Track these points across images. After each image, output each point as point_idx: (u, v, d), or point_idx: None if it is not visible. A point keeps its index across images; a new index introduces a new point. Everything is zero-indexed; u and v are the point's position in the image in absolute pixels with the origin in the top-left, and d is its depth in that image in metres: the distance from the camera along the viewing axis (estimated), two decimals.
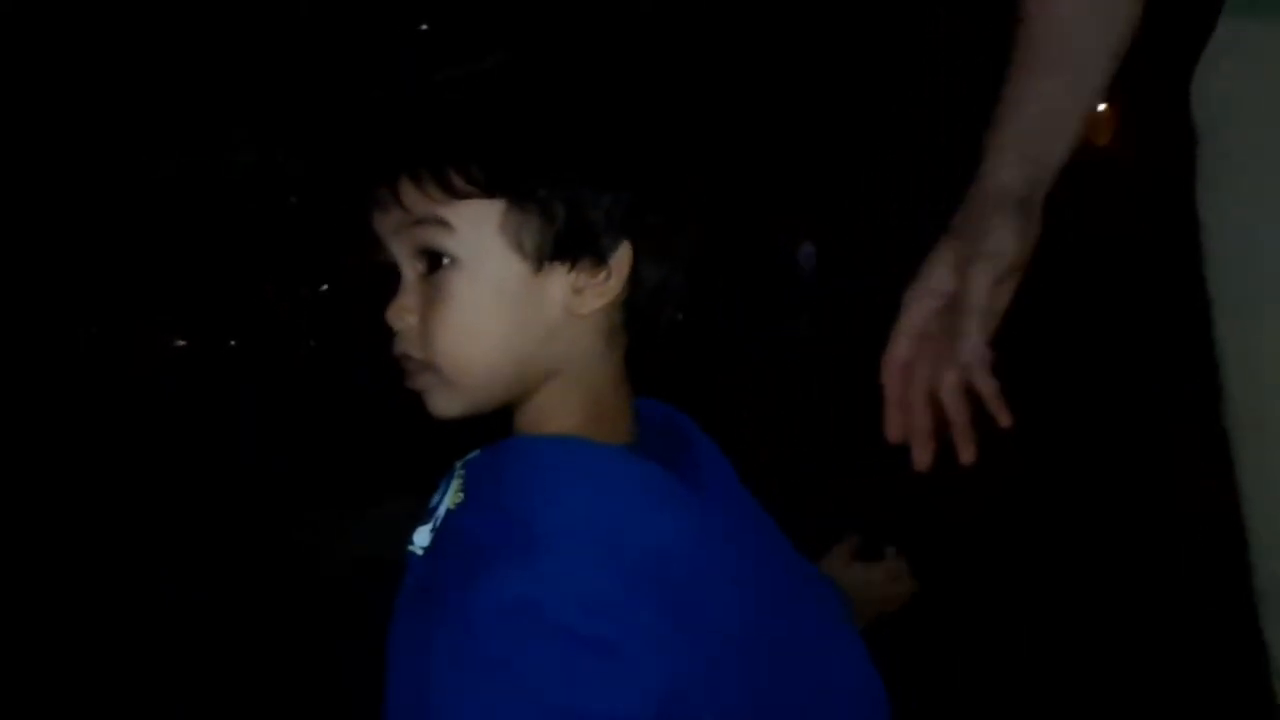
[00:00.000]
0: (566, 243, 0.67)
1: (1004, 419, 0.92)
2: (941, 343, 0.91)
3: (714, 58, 5.86)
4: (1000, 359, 0.91)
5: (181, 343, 13.52)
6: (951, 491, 4.71)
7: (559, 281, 0.68)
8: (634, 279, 0.70)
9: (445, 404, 0.70)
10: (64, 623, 3.28)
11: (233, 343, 12.21)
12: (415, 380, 0.70)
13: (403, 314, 0.69)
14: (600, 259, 0.68)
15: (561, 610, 0.61)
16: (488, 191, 0.67)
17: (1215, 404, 0.93)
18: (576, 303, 0.69)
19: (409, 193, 0.67)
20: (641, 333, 0.73)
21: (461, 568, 0.63)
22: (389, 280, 0.70)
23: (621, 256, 0.69)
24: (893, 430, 0.92)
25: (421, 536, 0.69)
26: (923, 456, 0.92)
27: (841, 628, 0.82)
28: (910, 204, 6.69)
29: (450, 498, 0.68)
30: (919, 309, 0.91)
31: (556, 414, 0.70)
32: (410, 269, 0.69)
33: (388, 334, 0.68)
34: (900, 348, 0.92)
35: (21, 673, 2.88)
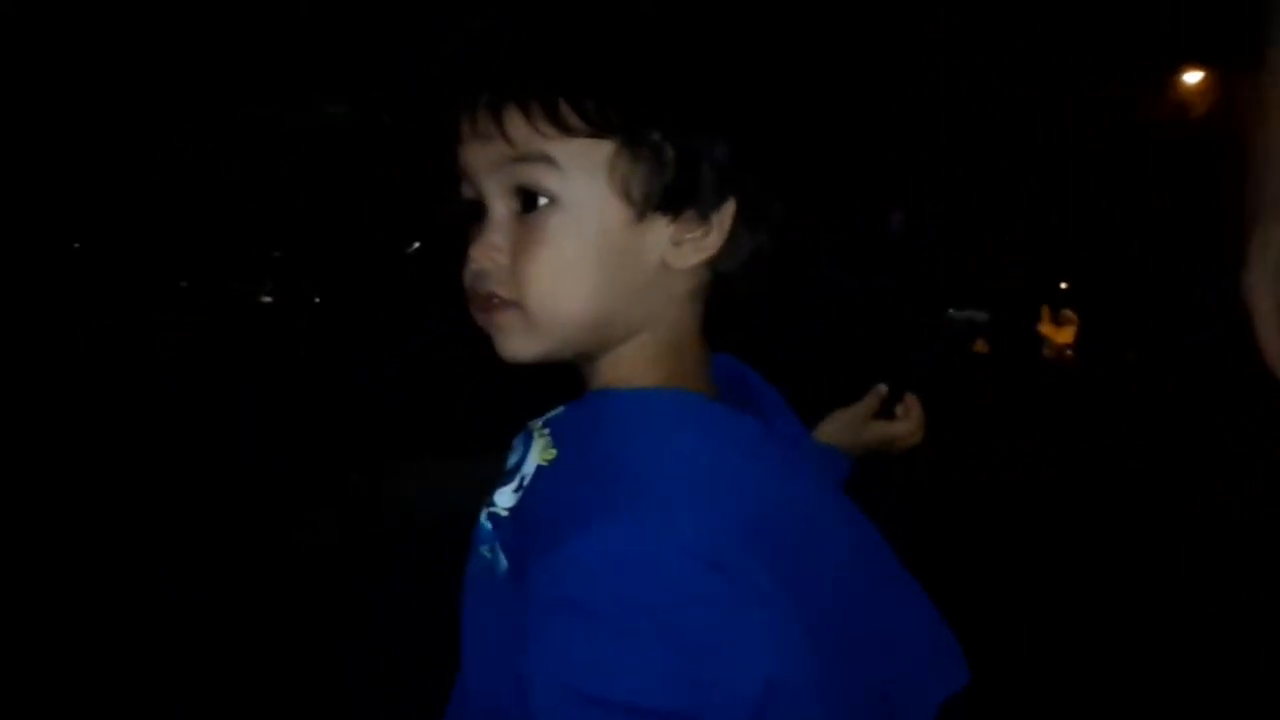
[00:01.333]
0: (674, 193, 0.65)
1: None
2: None
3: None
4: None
5: (268, 299, 13.82)
6: (951, 492, 4.69)
7: (659, 232, 0.66)
8: (729, 241, 0.68)
9: (522, 347, 0.67)
10: (64, 623, 3.28)
11: (318, 300, 12.36)
12: (495, 318, 0.67)
13: (491, 252, 0.66)
14: (704, 213, 0.66)
15: (677, 564, 0.58)
16: (600, 130, 0.63)
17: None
18: (674, 255, 0.66)
19: (516, 125, 0.64)
20: (723, 298, 0.70)
21: (564, 522, 0.60)
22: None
23: (725, 213, 0.67)
24: None
25: (504, 498, 0.67)
26: None
27: (910, 584, 0.78)
28: (911, 203, 6.71)
29: (539, 455, 0.66)
30: (1269, 295, 0.88)
31: (641, 369, 0.68)
32: (503, 206, 0.66)
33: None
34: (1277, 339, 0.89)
35: (22, 673, 2.88)
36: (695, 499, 0.60)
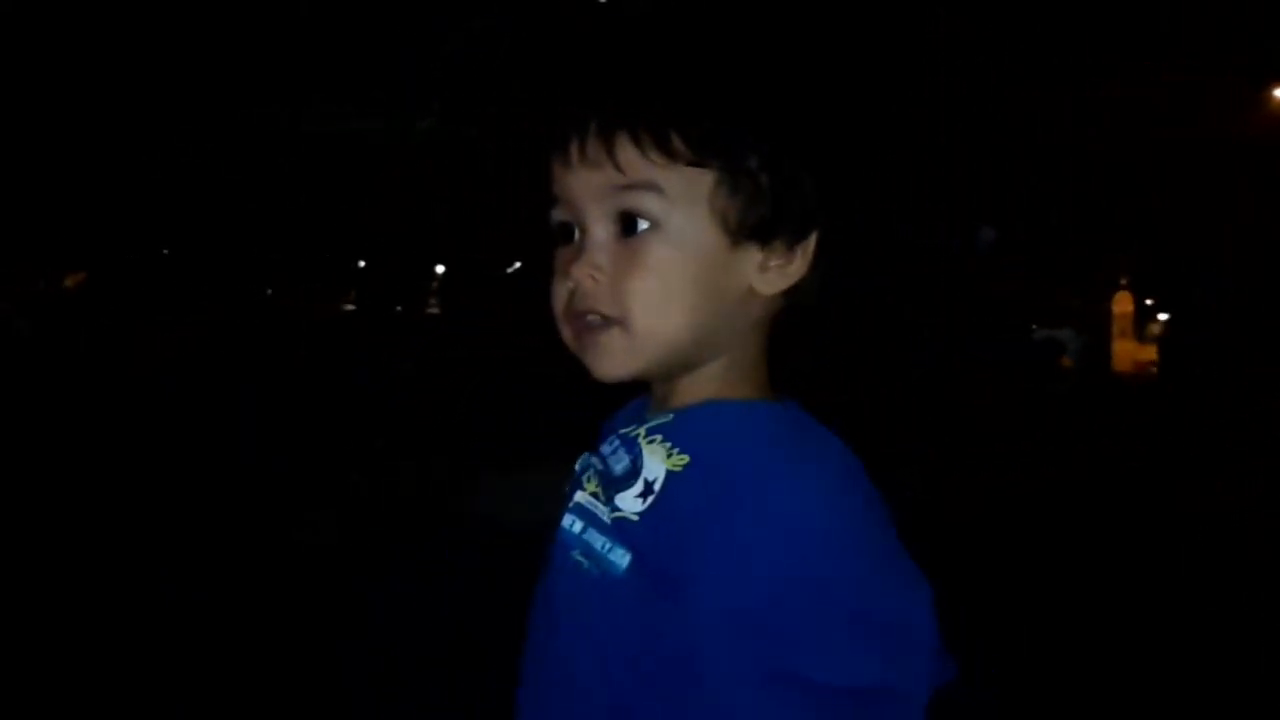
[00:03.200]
0: (767, 222, 0.70)
1: None
2: None
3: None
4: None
5: (350, 307, 13.96)
6: (951, 492, 4.66)
7: (750, 259, 0.70)
8: (809, 270, 0.72)
9: (619, 366, 0.70)
10: (64, 622, 3.28)
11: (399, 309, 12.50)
12: (595, 338, 0.70)
13: (593, 272, 0.70)
14: (790, 243, 0.71)
15: (851, 543, 0.64)
16: (704, 158, 0.68)
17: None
18: (760, 281, 0.71)
19: (626, 152, 0.68)
20: (789, 323, 0.75)
21: (728, 518, 0.64)
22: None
23: (809, 244, 0.71)
24: None
25: (629, 502, 0.69)
26: None
27: None
28: (912, 204, 6.71)
29: (664, 462, 0.69)
30: None
31: (724, 387, 0.72)
32: (603, 229, 0.70)
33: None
34: None
35: (22, 672, 2.88)
36: (845, 490, 0.67)
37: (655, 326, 0.69)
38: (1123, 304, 12.71)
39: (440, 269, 17.68)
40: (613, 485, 0.70)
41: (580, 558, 0.70)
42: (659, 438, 0.70)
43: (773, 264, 0.71)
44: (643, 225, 0.69)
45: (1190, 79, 6.90)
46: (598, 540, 0.69)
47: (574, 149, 0.70)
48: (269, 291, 14.29)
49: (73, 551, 4.06)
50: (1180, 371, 8.07)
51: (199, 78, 8.90)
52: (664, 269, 0.68)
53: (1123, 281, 12.47)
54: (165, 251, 12.70)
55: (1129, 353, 12.54)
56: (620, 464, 0.70)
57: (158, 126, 9.56)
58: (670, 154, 0.68)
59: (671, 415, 0.71)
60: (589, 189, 0.70)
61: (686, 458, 0.68)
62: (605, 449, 0.72)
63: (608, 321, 0.70)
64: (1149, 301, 13.22)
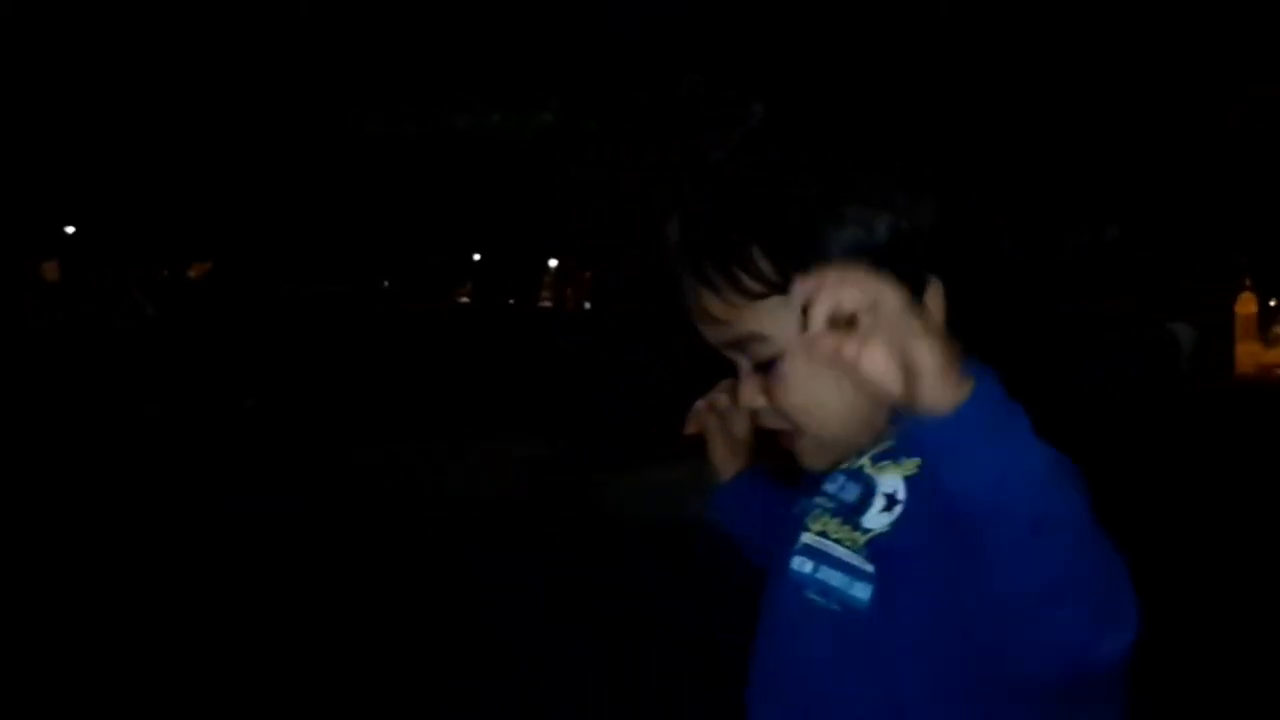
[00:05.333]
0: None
1: None
2: None
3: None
4: None
5: (466, 299, 13.71)
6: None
7: None
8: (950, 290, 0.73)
9: (823, 460, 0.77)
10: (63, 622, 3.27)
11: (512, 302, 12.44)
12: (792, 443, 0.77)
13: (754, 399, 0.77)
14: (915, 296, 0.68)
15: (1065, 483, 0.64)
16: (780, 286, 0.70)
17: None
18: None
19: (713, 304, 0.73)
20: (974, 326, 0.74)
21: (979, 492, 0.63)
22: None
23: (933, 289, 0.72)
24: None
25: (876, 520, 0.72)
26: None
27: None
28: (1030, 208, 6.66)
29: (899, 473, 0.72)
30: None
31: (930, 400, 0.71)
32: (744, 363, 0.76)
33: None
34: None
35: (21, 672, 2.86)
36: (1059, 458, 0.66)
37: (827, 424, 0.74)
38: (1246, 305, 12.57)
39: (553, 263, 17.24)
40: (853, 513, 0.74)
41: (815, 596, 0.73)
42: (886, 462, 0.74)
43: None
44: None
45: None
46: (834, 577, 0.72)
47: (690, 312, 0.76)
48: (386, 284, 14.45)
49: (73, 552, 4.05)
50: None
51: (324, 78, 9.11)
52: (802, 385, 0.73)
53: (1247, 282, 12.35)
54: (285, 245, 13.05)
55: (1253, 355, 12.39)
56: (852, 494, 0.75)
57: (283, 126, 9.81)
58: (747, 293, 0.72)
59: (890, 441, 0.74)
60: (715, 340, 0.76)
61: (917, 459, 0.71)
62: (829, 487, 0.77)
63: (794, 432, 0.76)
64: (1272, 303, 13.04)
